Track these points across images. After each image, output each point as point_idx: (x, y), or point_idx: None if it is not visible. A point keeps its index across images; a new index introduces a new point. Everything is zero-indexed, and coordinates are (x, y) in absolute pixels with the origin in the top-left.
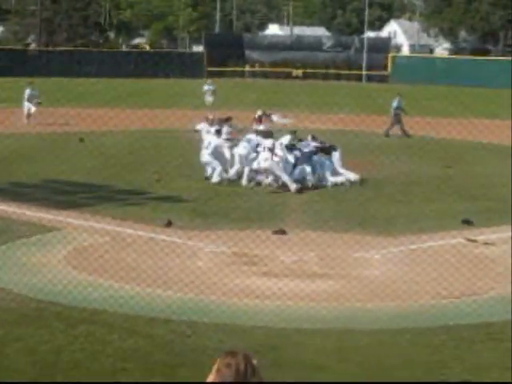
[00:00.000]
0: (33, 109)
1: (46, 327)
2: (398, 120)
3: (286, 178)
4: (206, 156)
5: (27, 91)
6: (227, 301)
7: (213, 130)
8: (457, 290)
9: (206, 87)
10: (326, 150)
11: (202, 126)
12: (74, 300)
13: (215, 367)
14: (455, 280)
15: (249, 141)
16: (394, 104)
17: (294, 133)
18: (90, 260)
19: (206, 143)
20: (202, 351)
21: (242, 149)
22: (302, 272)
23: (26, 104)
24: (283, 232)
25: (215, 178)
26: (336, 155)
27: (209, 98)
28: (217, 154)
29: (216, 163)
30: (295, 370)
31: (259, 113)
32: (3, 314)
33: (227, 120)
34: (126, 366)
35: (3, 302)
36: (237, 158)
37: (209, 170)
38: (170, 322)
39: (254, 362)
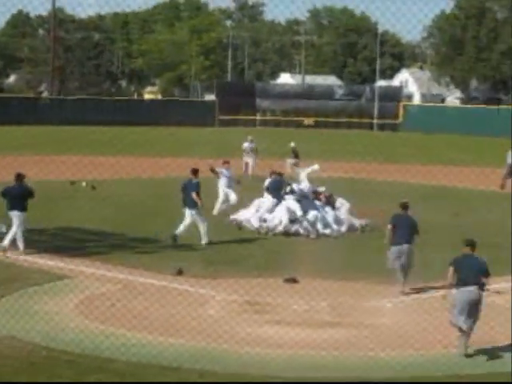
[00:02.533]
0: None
1: (57, 376)
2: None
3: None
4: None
5: (246, 144)
6: (239, 350)
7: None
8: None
9: (246, 144)
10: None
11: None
12: (86, 349)
13: None
14: None
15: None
16: (510, 156)
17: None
18: (101, 309)
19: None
20: None
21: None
22: (314, 321)
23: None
24: (295, 280)
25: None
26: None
27: (249, 160)
28: None
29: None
30: None
31: (293, 144)
32: (14, 362)
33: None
34: None
35: (14, 350)
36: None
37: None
38: (181, 371)
39: None
